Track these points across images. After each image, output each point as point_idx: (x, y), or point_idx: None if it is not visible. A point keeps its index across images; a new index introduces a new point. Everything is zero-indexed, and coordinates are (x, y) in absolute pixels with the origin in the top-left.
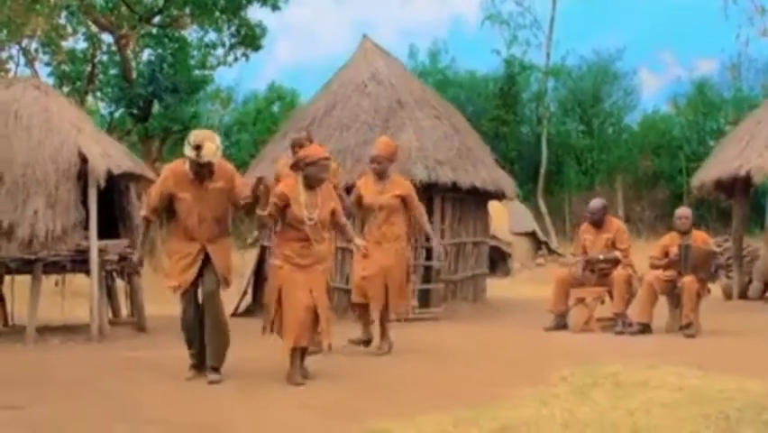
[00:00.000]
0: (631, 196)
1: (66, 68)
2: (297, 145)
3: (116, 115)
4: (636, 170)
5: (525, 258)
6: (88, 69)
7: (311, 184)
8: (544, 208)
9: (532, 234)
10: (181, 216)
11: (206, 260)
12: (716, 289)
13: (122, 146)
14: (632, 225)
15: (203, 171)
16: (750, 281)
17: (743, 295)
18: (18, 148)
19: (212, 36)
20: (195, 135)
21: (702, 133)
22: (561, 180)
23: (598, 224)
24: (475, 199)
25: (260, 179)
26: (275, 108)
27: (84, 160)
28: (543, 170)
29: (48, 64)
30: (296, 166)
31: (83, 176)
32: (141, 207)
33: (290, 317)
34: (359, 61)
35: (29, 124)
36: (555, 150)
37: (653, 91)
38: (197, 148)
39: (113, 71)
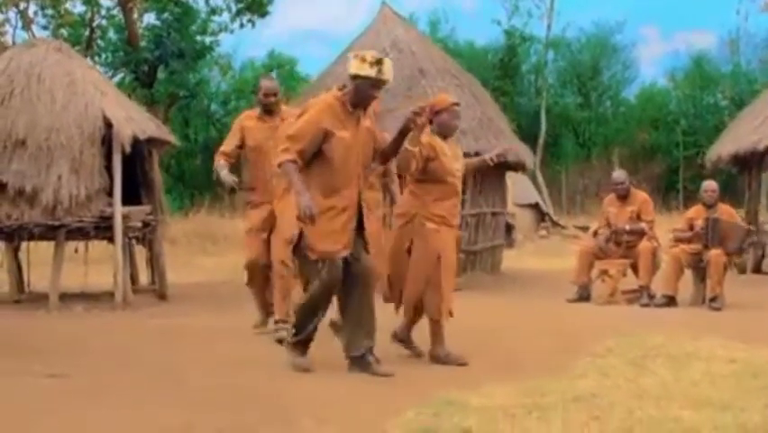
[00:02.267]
0: (627, 169)
1: (64, 32)
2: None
3: (115, 80)
4: (633, 143)
5: (529, 230)
6: (87, 33)
7: (445, 133)
8: (541, 180)
9: (535, 206)
10: (335, 161)
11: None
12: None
13: (144, 111)
14: None
15: (374, 96)
16: (764, 256)
17: (756, 269)
18: (42, 112)
19: (217, 1)
20: (367, 52)
21: (699, 107)
22: (558, 153)
23: (623, 195)
24: (495, 170)
25: (422, 108)
26: (273, 76)
27: (108, 124)
28: (541, 142)
29: (45, 27)
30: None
31: (107, 141)
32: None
33: (448, 287)
34: (378, 29)
35: (52, 87)
36: (553, 122)
37: (649, 63)
38: (378, 63)
39: (113, 36)
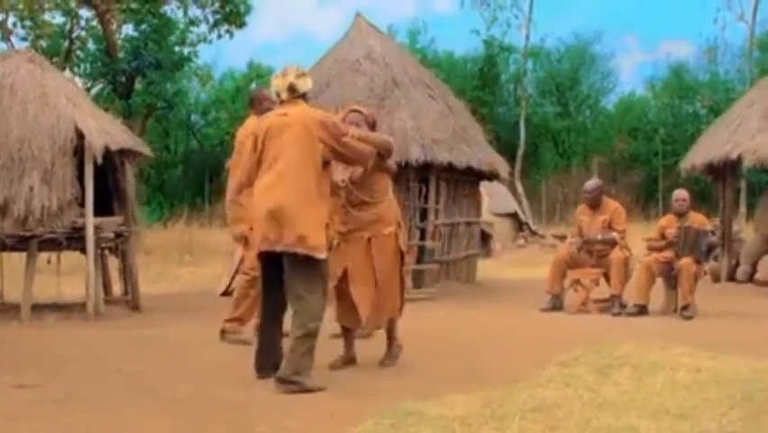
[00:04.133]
0: (607, 178)
1: (43, 43)
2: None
3: (94, 91)
4: (612, 152)
5: (507, 239)
6: (66, 44)
7: None
8: (521, 190)
9: (513, 216)
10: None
11: None
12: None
13: (118, 122)
14: None
15: None
16: (737, 264)
17: (731, 278)
18: (14, 123)
19: (195, 12)
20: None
21: (678, 116)
22: (537, 162)
23: (594, 204)
24: (469, 180)
25: None
26: (253, 86)
27: (80, 135)
28: (520, 152)
29: (24, 39)
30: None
31: (79, 152)
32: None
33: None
34: (352, 40)
35: (24, 98)
36: (532, 131)
37: (628, 73)
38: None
39: (92, 47)
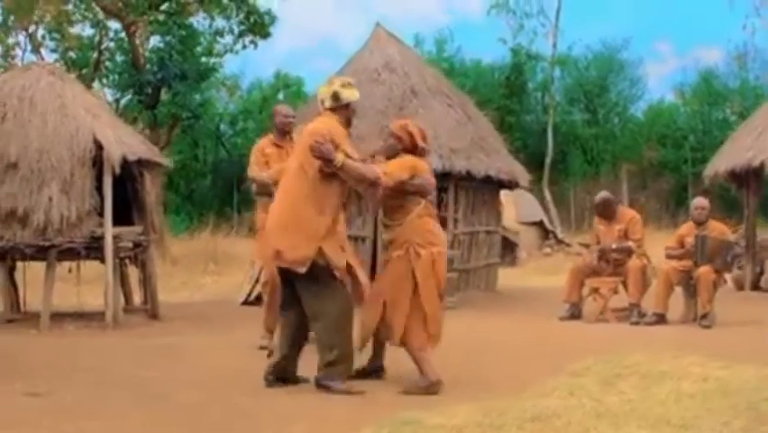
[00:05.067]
0: (636, 185)
1: (73, 54)
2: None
3: (123, 102)
4: (641, 159)
5: (533, 247)
6: (95, 55)
7: None
8: (549, 198)
9: (539, 224)
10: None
11: None
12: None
13: (136, 133)
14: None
15: None
16: (762, 272)
17: (755, 286)
18: (33, 134)
19: (220, 23)
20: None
21: (708, 123)
22: (566, 170)
23: (608, 215)
24: (488, 188)
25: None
26: (281, 96)
27: (99, 146)
28: (548, 160)
29: (54, 50)
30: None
31: (98, 162)
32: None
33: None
34: (372, 49)
35: (44, 110)
36: (561, 139)
37: (653, 81)
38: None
39: (120, 58)
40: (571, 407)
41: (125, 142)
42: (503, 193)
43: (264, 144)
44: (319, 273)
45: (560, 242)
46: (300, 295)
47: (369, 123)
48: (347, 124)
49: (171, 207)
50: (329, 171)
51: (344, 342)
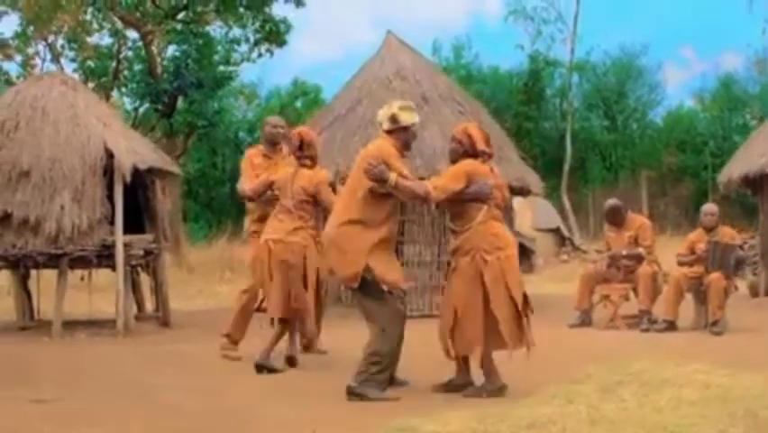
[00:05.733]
0: (655, 192)
1: (92, 63)
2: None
3: (141, 110)
4: (661, 165)
5: (549, 254)
6: (114, 64)
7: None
8: (567, 205)
9: (556, 231)
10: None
11: None
12: (742, 286)
13: (148, 141)
14: (656, 221)
15: None
16: None
17: None
18: (45, 144)
19: (236, 32)
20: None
21: (728, 128)
22: (585, 176)
23: (617, 222)
24: None
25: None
26: (298, 104)
27: (110, 155)
28: (566, 166)
29: (73, 60)
30: None
31: (109, 171)
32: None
33: None
34: (383, 57)
35: (56, 119)
36: (579, 146)
37: (676, 86)
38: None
39: (138, 67)
40: (568, 414)
41: (136, 151)
42: (520, 200)
43: (253, 155)
44: (368, 287)
45: (576, 248)
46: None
47: (380, 131)
48: (405, 146)
49: (191, 214)
50: (382, 191)
51: (388, 352)
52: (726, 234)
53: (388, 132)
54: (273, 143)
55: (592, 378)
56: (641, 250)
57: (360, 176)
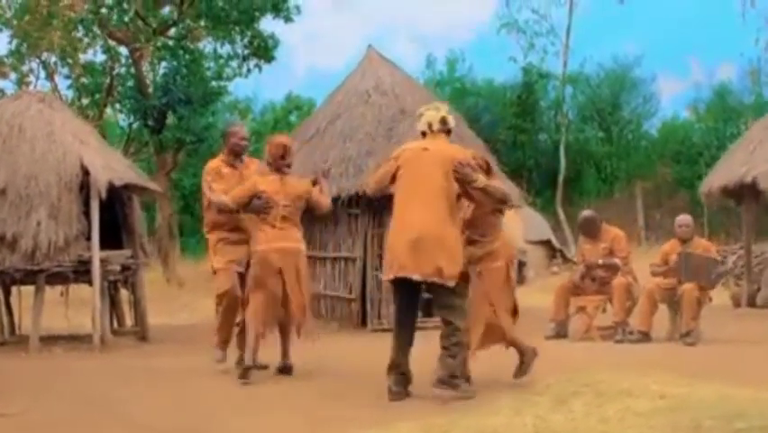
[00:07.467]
0: (651, 203)
1: (85, 80)
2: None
3: (134, 126)
4: (656, 176)
5: (540, 266)
6: (107, 81)
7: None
8: (562, 216)
9: (547, 243)
10: None
11: None
12: (724, 296)
13: (124, 158)
14: (651, 232)
15: None
16: (759, 289)
17: (751, 303)
18: (21, 161)
19: (226, 48)
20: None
21: (723, 139)
22: (580, 188)
23: (590, 234)
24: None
25: None
26: (292, 118)
27: (86, 172)
28: (561, 178)
29: (67, 77)
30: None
31: (85, 187)
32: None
33: None
34: (363, 71)
35: (32, 136)
36: (574, 157)
37: (669, 98)
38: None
39: (129, 84)
40: (513, 425)
41: (112, 167)
42: (511, 213)
43: (218, 165)
44: (458, 284)
45: (567, 260)
46: (433, 296)
47: (358, 144)
48: None
49: (187, 229)
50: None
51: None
52: (700, 245)
53: (437, 132)
54: (237, 154)
55: (549, 389)
56: (617, 260)
57: (449, 177)
